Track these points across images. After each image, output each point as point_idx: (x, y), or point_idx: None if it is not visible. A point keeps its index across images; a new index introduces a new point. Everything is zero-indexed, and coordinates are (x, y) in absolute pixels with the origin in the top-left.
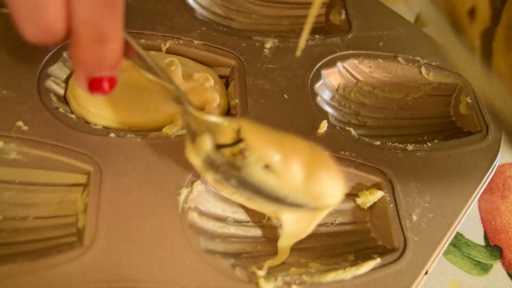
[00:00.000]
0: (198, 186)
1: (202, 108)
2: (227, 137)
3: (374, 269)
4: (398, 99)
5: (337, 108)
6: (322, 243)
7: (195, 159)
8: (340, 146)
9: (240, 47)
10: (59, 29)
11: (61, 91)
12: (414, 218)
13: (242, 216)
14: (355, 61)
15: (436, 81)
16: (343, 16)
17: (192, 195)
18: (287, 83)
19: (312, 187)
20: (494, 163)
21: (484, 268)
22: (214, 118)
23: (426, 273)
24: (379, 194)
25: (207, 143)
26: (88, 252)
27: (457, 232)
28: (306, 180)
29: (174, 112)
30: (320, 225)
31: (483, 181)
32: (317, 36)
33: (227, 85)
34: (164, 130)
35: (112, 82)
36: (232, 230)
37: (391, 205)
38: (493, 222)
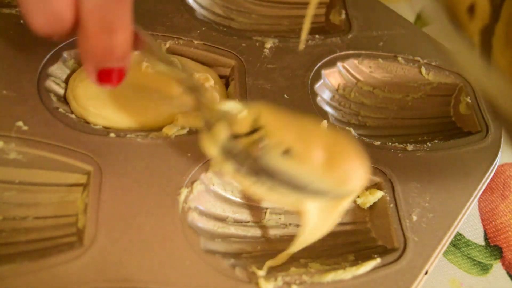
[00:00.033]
0: (198, 186)
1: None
2: (245, 124)
3: (374, 269)
4: (398, 99)
5: (337, 108)
6: (322, 243)
7: (212, 149)
8: None
9: (240, 47)
10: (68, 18)
11: (61, 91)
12: (414, 218)
13: (242, 216)
14: (355, 61)
15: (436, 81)
16: (343, 16)
17: (192, 195)
18: (287, 83)
19: (335, 171)
20: (494, 163)
21: (484, 268)
22: (231, 106)
23: (426, 273)
24: (379, 194)
25: (224, 131)
26: (88, 252)
27: (457, 232)
28: (329, 164)
29: (174, 112)
30: None
31: (483, 181)
32: (317, 36)
33: (227, 85)
34: (164, 130)
35: (121, 73)
36: (232, 230)
37: (391, 205)
38: (493, 222)
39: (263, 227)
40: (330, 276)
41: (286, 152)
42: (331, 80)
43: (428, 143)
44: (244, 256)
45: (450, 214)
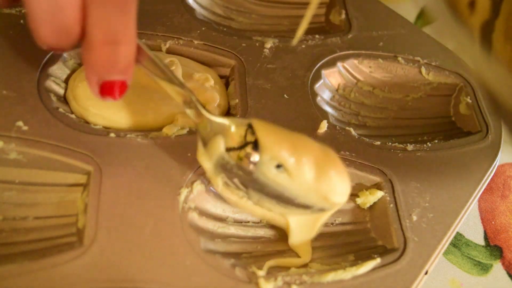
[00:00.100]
0: (198, 186)
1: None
2: (239, 138)
3: (374, 269)
4: (398, 99)
5: (337, 108)
6: (322, 243)
7: (207, 163)
8: (340, 146)
9: (240, 47)
10: (75, 31)
11: (61, 91)
12: (414, 218)
13: (242, 216)
14: (355, 61)
15: (436, 81)
16: (343, 16)
17: (192, 195)
18: (287, 83)
19: (321, 186)
20: (494, 163)
21: (484, 268)
22: (227, 121)
23: (426, 273)
24: (379, 194)
25: (220, 145)
26: (88, 252)
27: (457, 232)
28: (317, 178)
29: (174, 112)
30: None
31: (483, 181)
32: (317, 36)
33: (227, 85)
34: (164, 130)
35: (123, 86)
36: (232, 230)
37: (391, 205)
38: (493, 222)
39: (263, 227)
40: (330, 276)
41: (279, 166)
42: (331, 80)
43: (428, 143)
44: (244, 256)
45: (450, 214)
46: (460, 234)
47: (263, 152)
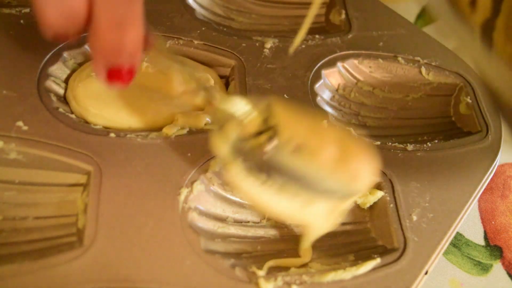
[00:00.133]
0: (198, 186)
1: (202, 108)
2: (255, 123)
3: (374, 269)
4: (398, 99)
5: (337, 108)
6: (322, 243)
7: (223, 148)
8: None
9: (240, 47)
10: (82, 14)
11: (61, 91)
12: (414, 218)
13: (242, 216)
14: (355, 61)
15: (436, 81)
16: (343, 16)
17: (192, 195)
18: (287, 83)
19: (345, 169)
20: (494, 163)
21: (484, 268)
22: (240, 105)
23: (426, 273)
24: (379, 194)
25: (235, 130)
26: (88, 252)
27: (457, 232)
28: (339, 161)
29: (174, 112)
30: None
31: (483, 181)
32: (317, 36)
33: (227, 85)
34: (164, 130)
35: (131, 72)
36: (232, 230)
37: (391, 205)
38: (493, 222)
39: (263, 227)
40: (330, 276)
41: (298, 149)
42: (331, 80)
43: (428, 143)
44: (244, 256)
45: (450, 214)
46: (460, 234)
47: (282, 136)
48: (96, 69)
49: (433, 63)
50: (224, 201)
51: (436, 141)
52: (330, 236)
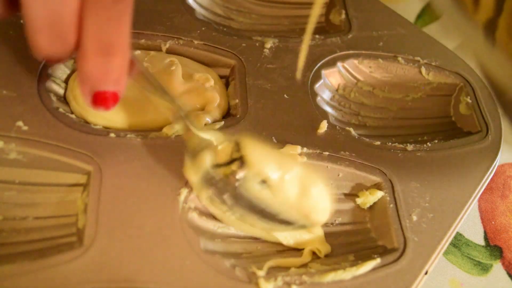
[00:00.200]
0: None
1: (202, 109)
2: (226, 155)
3: (374, 269)
4: (398, 99)
5: (337, 108)
6: None
7: (194, 177)
8: (340, 146)
9: (240, 47)
10: (71, 40)
11: (61, 91)
12: (414, 218)
13: None
14: (355, 61)
15: (436, 81)
16: (343, 16)
17: (192, 195)
18: (287, 83)
19: (304, 204)
20: (494, 163)
21: (484, 268)
22: (214, 138)
23: (426, 273)
24: (379, 194)
25: (207, 160)
26: (88, 252)
27: (457, 232)
28: (299, 196)
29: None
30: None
31: (483, 181)
32: (317, 36)
33: (227, 85)
34: (164, 130)
35: (115, 97)
36: (232, 230)
37: (391, 205)
38: (493, 222)
39: None
40: (330, 276)
41: (263, 182)
42: (331, 80)
43: (428, 143)
44: (244, 256)
45: (450, 214)
46: (460, 234)
47: (248, 169)
48: (82, 92)
49: (433, 63)
50: None
51: (436, 141)
52: (330, 236)
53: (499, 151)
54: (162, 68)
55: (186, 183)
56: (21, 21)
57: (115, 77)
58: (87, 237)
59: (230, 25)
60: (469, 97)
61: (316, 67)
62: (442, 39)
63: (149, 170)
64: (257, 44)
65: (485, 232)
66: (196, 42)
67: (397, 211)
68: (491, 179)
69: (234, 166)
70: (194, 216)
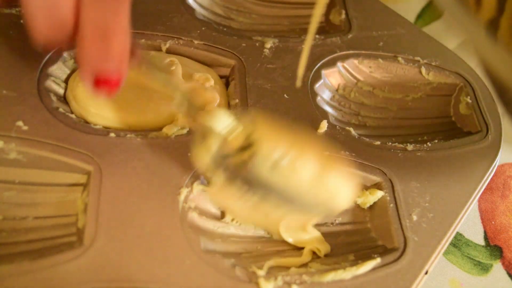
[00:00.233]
0: (198, 186)
1: (202, 108)
2: (239, 138)
3: (374, 269)
4: (398, 99)
5: (337, 108)
6: None
7: (204, 158)
8: (340, 146)
9: (240, 47)
10: (69, 25)
11: (61, 91)
12: (414, 218)
13: None
14: (355, 61)
15: (436, 81)
16: (343, 16)
17: (192, 195)
18: (287, 83)
19: (322, 188)
20: (494, 163)
21: (484, 268)
22: (227, 120)
23: (426, 273)
24: (379, 194)
25: (217, 141)
26: (88, 252)
27: (457, 232)
28: (317, 180)
29: (174, 112)
30: (320, 225)
31: (483, 181)
32: (317, 36)
33: (227, 85)
34: (164, 130)
35: (117, 81)
36: (232, 230)
37: (391, 205)
38: (493, 222)
39: None
40: (330, 276)
41: (278, 164)
42: (331, 80)
43: (428, 143)
44: (244, 256)
45: (450, 214)
46: (460, 234)
47: (264, 150)
48: (83, 76)
49: (433, 63)
50: None
51: (436, 141)
52: (330, 236)
53: (499, 151)
54: (162, 68)
55: (186, 183)
56: (21, 21)
57: (115, 58)
58: (87, 237)
59: (230, 25)
60: (469, 97)
61: (316, 67)
62: (443, 38)
63: (149, 170)
64: (257, 44)
65: (485, 232)
66: (196, 42)
67: (397, 210)
68: (491, 179)
69: (250, 151)
70: (194, 216)
